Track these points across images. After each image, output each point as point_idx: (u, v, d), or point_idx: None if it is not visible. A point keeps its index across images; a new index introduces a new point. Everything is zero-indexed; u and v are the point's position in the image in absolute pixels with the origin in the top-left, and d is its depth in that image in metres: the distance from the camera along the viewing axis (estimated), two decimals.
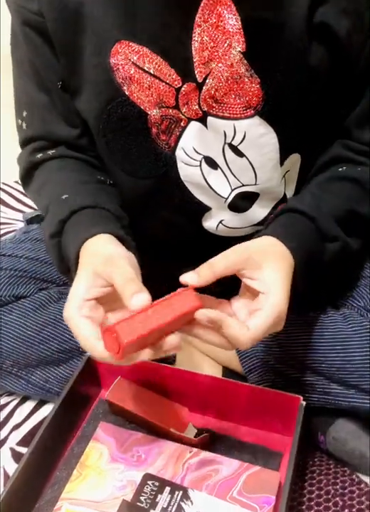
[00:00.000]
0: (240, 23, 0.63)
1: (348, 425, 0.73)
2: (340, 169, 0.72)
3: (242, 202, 0.74)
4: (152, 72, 0.66)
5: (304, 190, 0.75)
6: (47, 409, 0.84)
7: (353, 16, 0.62)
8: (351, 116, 0.70)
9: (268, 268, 0.59)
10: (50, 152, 0.78)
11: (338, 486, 0.71)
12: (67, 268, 0.66)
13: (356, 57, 0.65)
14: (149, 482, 0.65)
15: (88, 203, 0.68)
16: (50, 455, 0.70)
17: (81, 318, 0.56)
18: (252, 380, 0.77)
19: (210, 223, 0.76)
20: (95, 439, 0.71)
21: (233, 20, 0.63)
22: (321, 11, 0.62)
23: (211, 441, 0.71)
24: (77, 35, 0.68)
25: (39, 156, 0.78)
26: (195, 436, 0.70)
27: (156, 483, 0.65)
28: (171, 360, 0.81)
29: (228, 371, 0.82)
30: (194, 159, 0.71)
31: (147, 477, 0.65)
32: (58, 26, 0.68)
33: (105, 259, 0.58)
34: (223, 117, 0.68)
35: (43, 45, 0.70)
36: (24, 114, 0.76)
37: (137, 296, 0.53)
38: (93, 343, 0.54)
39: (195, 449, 0.69)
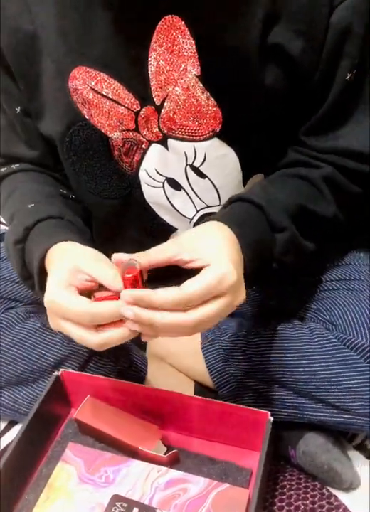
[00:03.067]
0: (194, 47, 0.63)
1: (317, 439, 0.73)
2: (292, 169, 0.72)
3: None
4: (110, 97, 0.67)
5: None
6: (16, 430, 0.83)
7: (306, 36, 0.63)
8: (306, 126, 0.70)
9: (204, 243, 0.57)
10: (14, 166, 0.79)
11: (308, 501, 0.71)
12: (29, 274, 0.66)
13: (310, 75, 0.65)
14: (117, 503, 0.64)
15: (54, 214, 0.68)
16: (18, 477, 0.69)
17: (66, 289, 0.56)
18: (224, 395, 0.77)
19: None
20: (64, 460, 0.70)
21: (187, 45, 0.63)
22: (274, 32, 0.63)
23: (181, 459, 0.71)
24: (34, 61, 0.68)
25: (3, 170, 0.79)
26: (164, 454, 0.70)
27: (125, 505, 0.64)
28: (142, 374, 0.81)
29: (199, 386, 0.82)
30: (157, 181, 0.72)
31: (115, 498, 0.65)
32: (15, 52, 0.68)
33: (84, 255, 0.60)
34: (182, 139, 0.69)
35: (1, 71, 0.71)
36: None
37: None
38: (92, 338, 0.54)
39: (163, 468, 0.68)
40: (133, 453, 0.70)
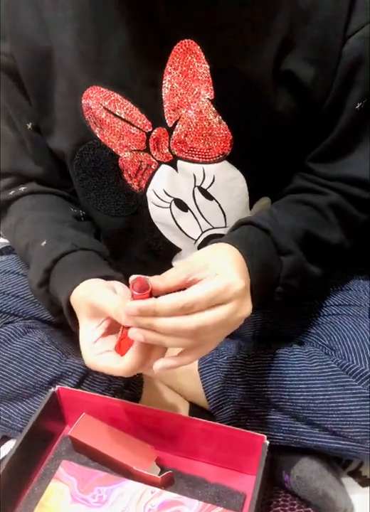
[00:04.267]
0: (208, 71, 0.64)
1: (312, 464, 0.73)
2: (298, 194, 0.73)
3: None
4: (123, 117, 0.68)
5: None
6: (10, 445, 0.82)
7: (318, 65, 0.64)
8: (314, 153, 0.72)
9: (214, 260, 0.57)
10: (22, 188, 0.79)
11: None
12: (59, 310, 0.69)
13: (320, 102, 0.67)
14: None
15: (67, 249, 0.70)
16: (10, 495, 0.68)
17: (99, 356, 0.59)
18: (219, 417, 0.77)
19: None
20: (57, 478, 0.70)
21: (202, 69, 0.64)
22: (287, 60, 0.64)
23: (175, 480, 0.71)
24: (48, 78, 0.69)
25: (11, 193, 0.80)
26: (158, 475, 0.69)
27: None
28: (137, 394, 0.81)
29: (194, 408, 0.82)
30: (164, 201, 0.73)
31: None
32: (29, 69, 0.69)
33: (91, 305, 0.61)
34: (192, 161, 0.70)
35: (14, 86, 0.72)
36: None
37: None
38: (118, 366, 0.58)
39: (157, 490, 0.68)
40: (127, 473, 0.70)
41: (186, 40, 0.64)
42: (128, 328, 0.56)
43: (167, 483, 0.70)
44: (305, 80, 0.65)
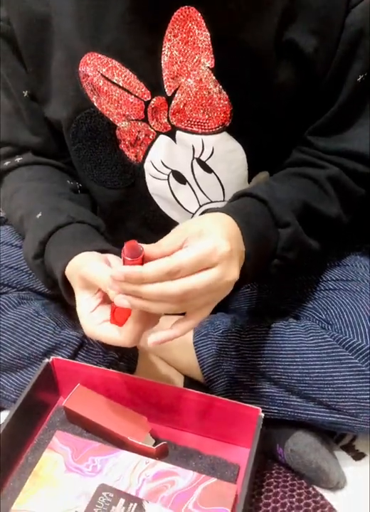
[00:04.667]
0: (209, 39, 0.63)
1: (306, 437, 0.73)
2: (297, 168, 0.73)
3: None
4: (121, 85, 0.66)
5: None
6: (4, 416, 0.82)
7: (320, 36, 0.63)
8: (314, 126, 0.71)
9: (206, 226, 0.56)
10: (18, 159, 0.78)
11: (294, 499, 0.71)
12: (54, 283, 0.68)
13: (322, 75, 0.66)
14: (104, 493, 0.64)
15: (62, 222, 0.68)
16: (3, 464, 0.68)
17: (98, 326, 0.59)
18: (214, 390, 0.77)
19: None
20: (51, 448, 0.69)
21: (202, 36, 0.63)
22: (289, 30, 0.63)
23: (169, 452, 0.71)
24: (45, 45, 0.68)
25: (6, 163, 0.79)
26: (153, 446, 0.69)
27: (111, 495, 0.64)
28: (132, 365, 0.81)
29: (189, 380, 0.82)
30: (162, 173, 0.72)
31: (102, 488, 0.64)
32: (26, 34, 0.68)
33: (83, 277, 0.60)
34: (191, 132, 0.68)
35: (10, 52, 0.70)
36: None
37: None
38: (120, 338, 0.58)
39: (151, 460, 0.68)
40: (121, 443, 0.70)
41: (186, 6, 0.62)
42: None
43: (162, 454, 0.70)
44: (307, 51, 0.64)
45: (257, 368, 0.74)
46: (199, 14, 0.62)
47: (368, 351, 0.67)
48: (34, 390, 0.72)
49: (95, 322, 0.59)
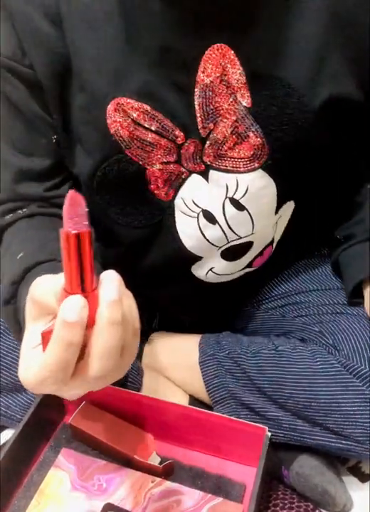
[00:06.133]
0: (244, 77, 0.61)
1: (311, 461, 0.73)
2: None
3: (235, 251, 0.73)
4: (153, 129, 0.63)
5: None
6: (9, 433, 0.82)
7: (360, 68, 0.62)
8: None
9: None
10: (21, 211, 0.72)
11: None
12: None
13: (363, 109, 0.65)
14: None
15: (43, 258, 0.57)
16: (9, 482, 0.68)
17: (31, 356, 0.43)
18: (219, 411, 0.77)
19: (200, 271, 0.75)
20: (56, 466, 0.69)
21: (236, 75, 0.61)
22: (326, 65, 0.61)
23: (175, 470, 0.70)
24: (66, 89, 0.64)
25: (9, 216, 0.72)
26: (159, 464, 0.69)
27: None
28: (137, 385, 0.81)
29: (195, 401, 0.82)
30: (192, 211, 0.69)
31: (108, 507, 0.64)
32: (50, 79, 0.64)
33: (33, 299, 0.44)
34: (226, 171, 0.66)
35: (33, 99, 0.67)
36: None
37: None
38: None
39: (157, 479, 0.67)
40: (127, 462, 0.70)
41: (218, 44, 0.59)
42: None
43: (168, 473, 0.69)
44: (346, 86, 0.62)
45: (263, 390, 0.74)
46: (232, 52, 0.60)
47: None
48: (40, 407, 0.72)
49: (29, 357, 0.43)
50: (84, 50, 0.62)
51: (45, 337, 0.41)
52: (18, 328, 0.57)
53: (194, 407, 0.72)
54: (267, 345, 0.77)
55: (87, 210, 0.41)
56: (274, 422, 0.73)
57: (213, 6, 0.58)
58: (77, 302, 0.39)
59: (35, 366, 0.40)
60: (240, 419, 0.70)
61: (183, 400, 0.82)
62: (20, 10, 0.63)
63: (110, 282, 0.41)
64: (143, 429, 0.72)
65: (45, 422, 0.75)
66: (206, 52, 0.60)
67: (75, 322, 0.38)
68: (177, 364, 0.83)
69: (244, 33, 0.60)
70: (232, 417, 0.70)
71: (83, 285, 0.40)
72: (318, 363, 0.72)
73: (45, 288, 0.43)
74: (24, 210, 0.71)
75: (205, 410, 0.70)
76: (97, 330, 0.39)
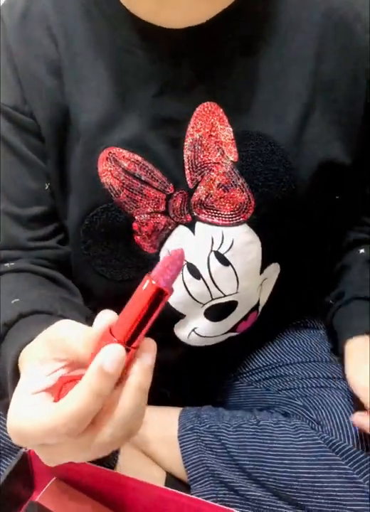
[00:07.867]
0: (232, 134, 0.64)
1: None
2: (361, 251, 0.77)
3: (219, 310, 0.72)
4: (143, 179, 0.65)
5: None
6: None
7: (344, 125, 0.65)
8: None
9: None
10: (9, 265, 0.69)
11: None
12: (3, 392, 0.52)
13: (347, 165, 0.67)
14: None
15: (42, 309, 0.56)
16: None
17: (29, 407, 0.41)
18: (197, 490, 0.73)
19: (183, 331, 0.74)
20: None
21: (225, 132, 0.64)
22: (310, 122, 0.64)
23: None
24: (66, 142, 0.66)
25: None
26: None
27: None
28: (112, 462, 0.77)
29: (172, 479, 0.78)
30: None
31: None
32: (50, 129, 0.66)
33: (49, 339, 0.44)
34: (211, 223, 0.67)
35: (30, 147, 0.68)
36: None
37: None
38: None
39: None
40: None
41: (208, 102, 0.63)
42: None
43: None
44: (331, 145, 0.65)
45: (243, 467, 0.71)
46: (221, 110, 0.63)
47: (359, 456, 0.65)
48: (8, 482, 0.67)
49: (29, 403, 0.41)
50: (80, 102, 0.65)
51: (64, 384, 0.40)
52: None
53: (167, 488, 0.68)
54: (248, 420, 0.75)
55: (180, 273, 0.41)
56: (254, 502, 0.70)
57: (204, 66, 0.62)
58: (120, 354, 0.38)
59: (44, 415, 0.39)
60: (218, 502, 0.67)
61: (160, 477, 0.78)
62: (24, 60, 0.66)
63: (151, 351, 0.41)
64: (115, 509, 0.68)
65: (12, 500, 0.71)
66: (197, 109, 0.63)
67: (112, 374, 0.38)
68: (155, 438, 0.79)
69: (233, 91, 0.63)
70: (205, 500, 0.66)
71: (132, 339, 0.39)
72: (301, 439, 0.70)
73: (73, 332, 0.42)
74: (12, 264, 0.69)
75: (179, 492, 0.67)
76: (127, 390, 0.39)
